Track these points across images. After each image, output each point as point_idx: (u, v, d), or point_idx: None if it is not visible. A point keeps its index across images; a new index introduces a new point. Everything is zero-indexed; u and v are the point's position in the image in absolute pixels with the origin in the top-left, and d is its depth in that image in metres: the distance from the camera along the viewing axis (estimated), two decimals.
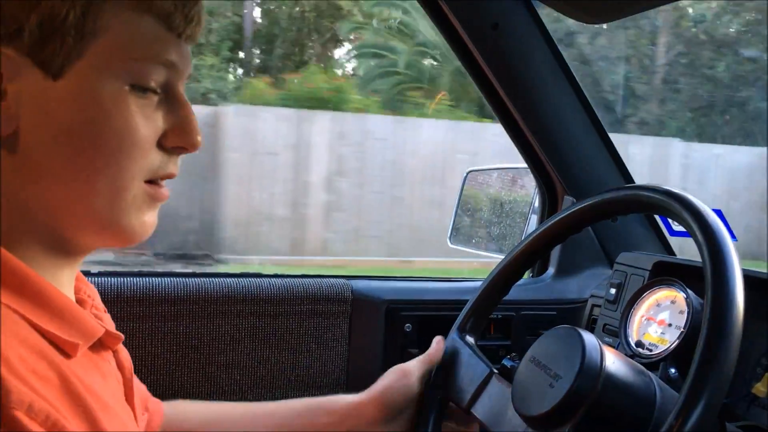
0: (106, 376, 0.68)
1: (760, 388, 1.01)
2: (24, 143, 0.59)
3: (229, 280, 1.31)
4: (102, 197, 0.62)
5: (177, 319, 1.26)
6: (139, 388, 0.88)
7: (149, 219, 0.66)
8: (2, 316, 0.54)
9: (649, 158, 9.86)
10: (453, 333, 1.05)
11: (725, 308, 0.71)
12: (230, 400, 1.30)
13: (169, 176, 0.67)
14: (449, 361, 1.03)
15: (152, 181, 0.66)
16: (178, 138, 0.65)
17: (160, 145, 0.65)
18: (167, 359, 1.25)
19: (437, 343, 1.04)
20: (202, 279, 1.30)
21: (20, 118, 0.59)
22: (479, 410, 0.95)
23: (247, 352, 1.31)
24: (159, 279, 1.26)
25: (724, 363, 0.68)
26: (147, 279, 1.25)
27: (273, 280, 1.35)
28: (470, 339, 1.04)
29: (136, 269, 1.45)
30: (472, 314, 1.06)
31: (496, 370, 0.97)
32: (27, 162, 0.60)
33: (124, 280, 1.23)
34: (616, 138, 1.49)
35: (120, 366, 0.74)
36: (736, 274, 0.73)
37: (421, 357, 1.03)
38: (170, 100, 0.65)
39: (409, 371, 1.00)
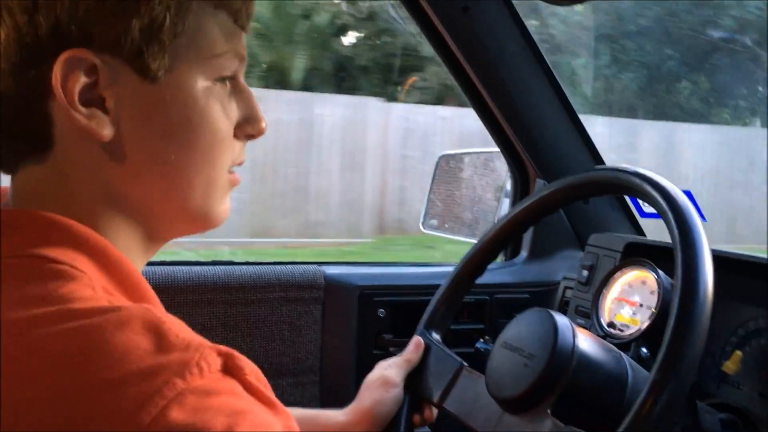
0: None
1: (729, 366, 1.03)
2: (126, 147, 0.60)
3: (198, 268, 1.30)
4: (198, 190, 0.64)
5: None
6: None
7: (228, 204, 0.69)
8: None
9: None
10: (419, 331, 1.05)
11: (694, 288, 0.71)
12: None
13: (241, 164, 0.69)
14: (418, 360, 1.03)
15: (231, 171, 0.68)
16: (249, 126, 0.67)
17: (236, 135, 0.67)
18: None
19: (415, 345, 1.04)
20: (170, 267, 1.28)
21: (120, 123, 0.59)
22: (451, 404, 0.95)
23: (219, 340, 1.27)
24: None
25: (694, 342, 0.69)
26: None
27: (244, 267, 1.34)
28: (436, 336, 1.04)
29: None
30: (437, 310, 1.06)
31: (465, 364, 0.97)
32: (129, 164, 0.61)
33: None
34: None
35: None
36: (705, 254, 0.74)
37: (398, 361, 1.03)
38: (238, 91, 0.67)
39: (392, 380, 1.00)
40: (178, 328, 0.51)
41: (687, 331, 0.69)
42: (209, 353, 0.50)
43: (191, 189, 0.63)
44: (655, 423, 0.68)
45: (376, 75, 9.95)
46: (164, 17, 0.58)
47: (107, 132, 0.58)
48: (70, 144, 0.59)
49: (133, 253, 0.64)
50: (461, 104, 8.54)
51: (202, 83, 0.62)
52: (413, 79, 9.77)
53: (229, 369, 0.51)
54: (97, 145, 0.59)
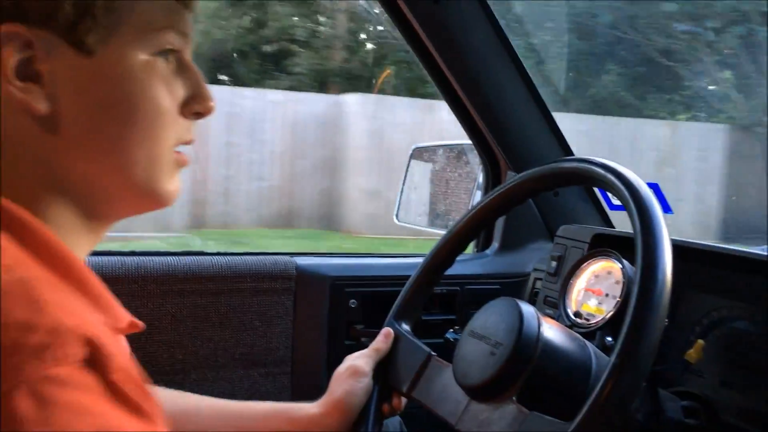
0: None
1: (692, 355, 1.05)
2: (63, 121, 0.60)
3: (169, 258, 1.29)
4: (140, 166, 0.63)
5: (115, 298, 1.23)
6: None
7: (177, 184, 0.68)
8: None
9: None
10: (389, 321, 1.06)
11: (652, 274, 0.73)
12: (173, 380, 1.28)
13: (189, 142, 0.69)
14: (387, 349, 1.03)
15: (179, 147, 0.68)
16: (196, 104, 0.68)
17: (181, 113, 0.67)
18: None
19: (384, 336, 1.04)
20: (141, 257, 1.27)
21: (57, 98, 0.59)
22: (420, 393, 0.96)
23: (189, 331, 1.29)
24: (95, 258, 1.23)
25: (652, 327, 0.70)
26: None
27: (215, 258, 1.33)
28: (406, 326, 1.05)
29: None
30: (407, 301, 1.07)
31: (434, 353, 0.98)
32: (67, 139, 0.60)
33: None
34: None
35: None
36: (664, 244, 0.75)
37: (367, 351, 1.03)
38: (183, 69, 0.67)
39: (362, 370, 1.00)
40: (57, 309, 0.50)
41: (645, 316, 0.71)
42: (74, 341, 0.48)
43: (132, 164, 0.63)
44: (614, 407, 0.69)
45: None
46: None
47: (43, 106, 0.59)
48: (8, 119, 0.59)
49: (74, 233, 0.63)
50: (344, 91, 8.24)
51: (140, 57, 0.62)
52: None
53: (93, 362, 0.49)
54: (35, 121, 0.59)
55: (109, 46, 0.60)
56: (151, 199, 0.66)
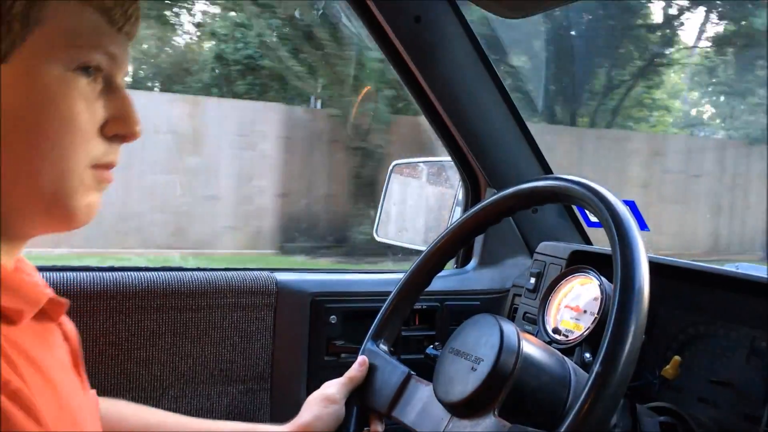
0: (52, 347, 0.69)
1: (669, 371, 1.06)
2: None
3: (148, 273, 1.28)
4: (46, 179, 0.63)
5: (93, 314, 1.22)
6: None
7: (94, 201, 0.68)
8: None
9: None
10: (367, 343, 1.06)
11: (630, 293, 0.74)
12: (151, 396, 1.27)
13: (110, 165, 0.68)
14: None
15: (98, 168, 0.67)
16: (118, 126, 0.67)
17: (102, 133, 0.67)
18: (83, 356, 1.21)
19: (359, 363, 1.04)
20: (119, 273, 1.26)
21: None
22: (400, 413, 0.95)
23: (168, 347, 1.28)
24: (73, 273, 1.22)
25: (629, 344, 0.71)
26: (59, 273, 1.21)
27: (195, 273, 1.33)
28: (384, 347, 1.05)
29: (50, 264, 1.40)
30: (385, 321, 1.07)
31: (413, 372, 0.98)
32: None
33: None
34: None
35: (66, 337, 0.75)
36: (641, 261, 0.77)
37: (342, 380, 1.03)
38: (110, 91, 0.67)
39: (333, 397, 1.01)
40: None
41: (623, 333, 0.72)
42: None
43: (38, 176, 0.63)
44: (594, 422, 0.70)
45: None
46: (12, 3, 0.60)
47: None
48: None
49: None
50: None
51: (56, 70, 0.62)
52: None
53: None
54: None
55: (23, 56, 0.61)
56: (60, 214, 0.66)
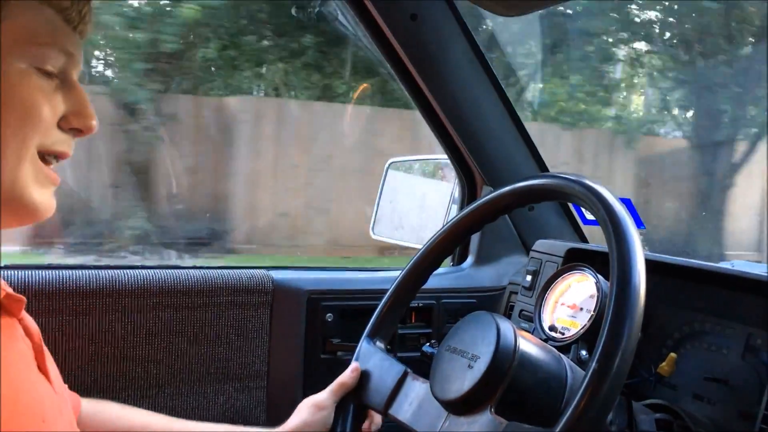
0: (11, 341, 0.69)
1: (665, 368, 1.06)
2: None
3: (144, 272, 1.28)
4: (7, 167, 0.66)
5: (89, 313, 1.21)
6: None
7: (47, 199, 0.71)
8: None
9: None
10: (363, 341, 1.06)
11: (626, 290, 0.74)
12: (147, 394, 1.27)
13: (62, 154, 0.72)
14: (362, 369, 1.04)
15: (44, 158, 0.70)
16: (76, 120, 0.71)
17: (59, 126, 0.70)
18: (79, 355, 1.21)
19: (352, 371, 1.04)
20: (115, 271, 1.26)
21: None
22: (397, 410, 0.96)
23: (164, 345, 1.28)
24: (69, 272, 1.22)
25: (626, 341, 0.72)
26: (56, 272, 1.21)
27: (191, 271, 1.32)
28: (380, 344, 1.05)
29: (45, 263, 1.40)
30: (381, 319, 1.07)
31: (409, 370, 0.98)
32: None
33: (31, 274, 1.18)
34: None
35: (27, 333, 0.75)
36: (638, 259, 0.77)
37: (333, 386, 1.04)
38: (67, 86, 0.71)
39: (323, 404, 1.02)
40: None
41: (620, 330, 0.72)
42: None
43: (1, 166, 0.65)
44: (590, 419, 0.70)
45: None
46: None
47: None
48: None
49: None
50: None
51: (17, 65, 0.66)
52: None
53: None
54: None
55: None
56: (18, 206, 0.68)
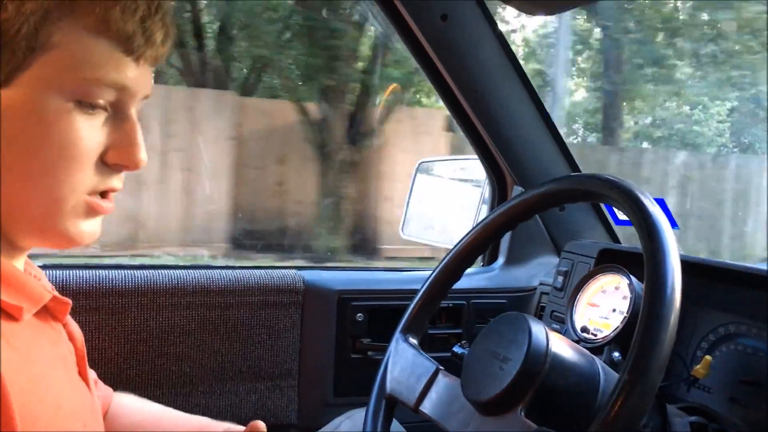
0: (55, 345, 0.70)
1: (699, 371, 1.05)
2: None
3: (178, 271, 1.30)
4: (37, 205, 0.63)
5: (125, 311, 1.24)
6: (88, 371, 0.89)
7: (88, 228, 0.67)
8: None
9: None
10: (396, 336, 1.06)
11: (662, 293, 0.73)
12: (180, 392, 1.29)
13: (112, 190, 0.68)
14: (394, 364, 1.03)
15: (94, 195, 0.67)
16: (119, 155, 0.66)
17: (103, 160, 0.66)
18: (115, 352, 1.23)
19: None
20: (150, 271, 1.28)
21: None
22: (428, 407, 0.95)
23: (197, 344, 1.30)
24: (105, 271, 1.24)
25: (662, 344, 0.71)
26: (93, 271, 1.23)
27: (223, 271, 1.34)
28: (413, 340, 1.05)
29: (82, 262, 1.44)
30: (414, 315, 1.07)
31: (442, 367, 0.98)
32: None
33: (69, 273, 1.21)
34: None
35: (70, 337, 0.76)
36: (673, 261, 0.76)
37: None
38: (118, 119, 0.66)
39: None
40: None
41: (655, 333, 0.71)
42: None
43: (30, 202, 0.63)
44: (623, 423, 0.69)
45: None
46: (20, 27, 0.59)
47: None
48: None
49: None
50: None
51: (56, 100, 0.61)
52: None
53: None
54: None
55: (25, 82, 0.60)
56: (51, 237, 0.66)
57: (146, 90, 0.68)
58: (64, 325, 0.75)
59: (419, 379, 0.98)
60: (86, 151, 0.63)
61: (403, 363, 1.03)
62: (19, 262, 0.69)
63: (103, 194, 0.68)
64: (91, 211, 0.67)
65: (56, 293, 0.72)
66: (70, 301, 0.72)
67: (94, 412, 0.75)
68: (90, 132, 0.63)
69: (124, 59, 0.63)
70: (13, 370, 0.58)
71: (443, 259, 1.09)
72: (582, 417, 0.79)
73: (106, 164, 0.66)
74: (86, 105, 0.63)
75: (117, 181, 0.68)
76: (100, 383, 0.94)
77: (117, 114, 0.66)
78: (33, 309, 0.65)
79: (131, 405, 0.99)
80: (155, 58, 0.67)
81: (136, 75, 0.65)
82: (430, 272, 1.10)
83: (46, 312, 0.69)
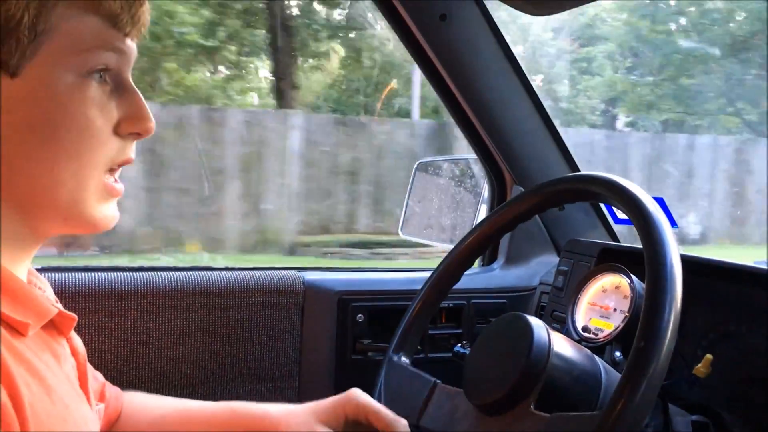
0: (60, 360, 0.70)
1: (701, 369, 1.04)
2: None
3: (178, 273, 1.30)
4: (65, 188, 0.65)
5: (125, 314, 1.23)
6: (96, 375, 0.91)
7: (110, 212, 0.70)
8: None
9: None
10: (388, 356, 1.05)
11: (663, 292, 0.73)
12: (180, 394, 1.28)
13: (126, 162, 0.70)
14: (389, 384, 1.03)
15: (111, 169, 0.69)
16: (132, 125, 0.69)
17: (116, 132, 0.68)
18: (115, 355, 1.23)
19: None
20: (150, 273, 1.28)
21: None
22: (428, 421, 0.95)
23: (198, 345, 1.30)
24: (105, 274, 1.24)
25: (663, 344, 0.71)
26: (92, 274, 1.23)
27: (223, 273, 1.34)
28: (405, 360, 1.04)
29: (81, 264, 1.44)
30: (405, 334, 1.06)
31: (438, 381, 0.97)
32: (4, 155, 0.62)
33: (68, 276, 1.20)
34: None
35: (73, 352, 0.76)
36: (674, 260, 0.76)
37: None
38: (121, 90, 0.68)
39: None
40: None
41: (656, 332, 0.71)
42: None
43: (59, 186, 0.64)
44: (625, 423, 0.69)
45: None
46: (22, 16, 0.60)
47: None
48: None
49: (12, 238, 0.65)
50: None
51: (68, 79, 0.63)
52: None
53: None
54: None
55: (33, 68, 0.62)
56: (79, 222, 0.68)
57: (133, 61, 0.71)
58: (67, 339, 0.74)
59: (417, 396, 0.98)
60: (102, 125, 0.66)
61: (398, 382, 1.02)
62: (23, 269, 0.69)
63: (112, 170, 0.69)
64: (109, 194, 0.69)
65: (61, 307, 0.72)
66: (76, 317, 0.72)
67: (95, 426, 0.74)
68: (102, 105, 0.66)
69: (116, 34, 0.66)
70: (22, 384, 0.58)
71: (443, 261, 1.09)
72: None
73: (119, 135, 0.68)
74: (96, 73, 0.65)
75: (131, 152, 0.71)
76: (109, 384, 0.94)
77: (119, 86, 0.68)
78: (39, 324, 0.65)
79: (145, 402, 0.99)
80: (137, 34, 0.69)
81: (128, 48, 0.68)
82: (431, 273, 1.10)
83: (51, 326, 0.69)
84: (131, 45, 0.69)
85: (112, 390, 0.94)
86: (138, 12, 0.68)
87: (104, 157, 0.67)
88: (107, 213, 0.69)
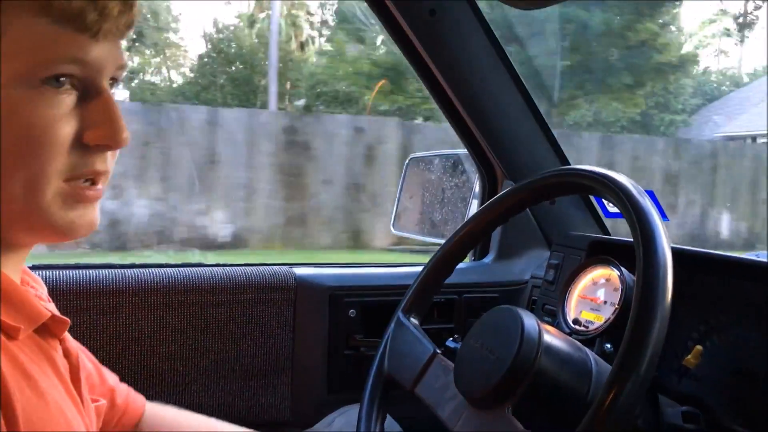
0: (53, 362, 0.69)
1: (690, 360, 1.05)
2: None
3: (169, 270, 1.30)
4: (17, 198, 0.61)
5: (116, 311, 1.23)
6: (107, 376, 0.93)
7: (78, 217, 0.65)
8: None
9: None
10: (397, 314, 1.06)
11: (654, 284, 0.74)
12: (173, 391, 1.29)
13: (95, 173, 0.65)
14: (394, 343, 1.03)
15: (76, 179, 0.64)
16: (97, 135, 0.63)
17: (80, 144, 0.63)
18: (107, 352, 1.23)
19: None
20: (141, 270, 1.28)
21: None
22: (423, 390, 0.96)
23: (190, 342, 1.30)
24: (96, 271, 1.23)
25: (654, 335, 0.71)
26: (83, 271, 1.22)
27: (215, 269, 1.34)
28: (414, 320, 1.05)
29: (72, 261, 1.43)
30: (416, 296, 1.07)
31: (439, 351, 0.98)
32: None
33: (59, 273, 1.20)
34: None
35: (66, 353, 0.74)
36: (665, 252, 0.76)
37: None
38: (89, 96, 0.63)
39: None
40: None
41: (647, 324, 0.71)
42: None
43: (11, 197, 0.60)
44: (616, 415, 0.70)
45: None
46: None
47: None
48: None
49: None
50: None
51: (15, 88, 0.58)
52: None
53: None
54: None
55: None
56: (44, 230, 0.64)
57: (116, 62, 0.65)
58: (61, 341, 0.73)
59: (416, 361, 0.98)
60: (55, 134, 0.60)
61: (403, 343, 1.02)
62: (16, 270, 0.68)
63: (94, 181, 0.65)
64: (77, 199, 0.64)
65: (55, 310, 0.71)
66: (69, 320, 0.71)
67: (90, 428, 0.74)
68: (59, 115, 0.61)
69: (78, 37, 0.60)
70: (16, 389, 0.57)
71: (435, 254, 1.09)
72: (576, 408, 0.80)
73: (87, 146, 0.63)
74: (53, 80, 0.60)
75: (101, 164, 0.65)
76: (132, 391, 0.95)
77: (87, 92, 0.62)
78: (31, 328, 0.65)
79: (170, 416, 1.00)
80: (117, 31, 0.63)
81: (98, 51, 0.62)
82: (422, 268, 1.10)
83: (43, 328, 0.68)
84: (104, 49, 0.62)
85: (133, 397, 0.95)
86: (108, 6, 0.61)
87: (58, 168, 0.61)
88: (74, 218, 0.64)
